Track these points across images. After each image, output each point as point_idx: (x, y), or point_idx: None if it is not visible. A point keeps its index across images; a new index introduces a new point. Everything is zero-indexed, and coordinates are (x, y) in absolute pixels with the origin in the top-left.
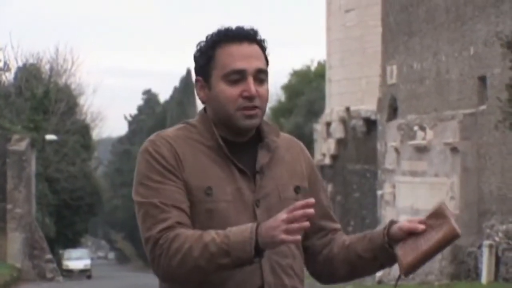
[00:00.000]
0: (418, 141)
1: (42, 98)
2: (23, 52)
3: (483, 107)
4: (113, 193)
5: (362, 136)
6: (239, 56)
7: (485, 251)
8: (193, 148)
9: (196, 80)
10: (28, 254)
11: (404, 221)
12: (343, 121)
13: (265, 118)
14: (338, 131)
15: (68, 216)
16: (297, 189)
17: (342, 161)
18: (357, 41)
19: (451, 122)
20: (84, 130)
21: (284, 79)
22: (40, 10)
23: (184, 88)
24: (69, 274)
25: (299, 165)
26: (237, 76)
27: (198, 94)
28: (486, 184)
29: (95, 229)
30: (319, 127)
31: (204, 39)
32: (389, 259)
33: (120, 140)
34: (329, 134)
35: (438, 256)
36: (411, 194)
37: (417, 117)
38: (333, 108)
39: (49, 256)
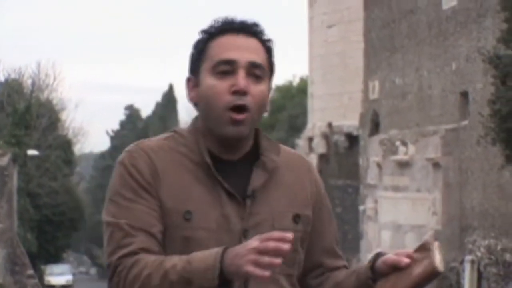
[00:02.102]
0: (400, 156)
1: (24, 113)
2: (4, 67)
3: (465, 122)
4: (95, 208)
5: (344, 151)
6: (230, 46)
7: (467, 266)
8: (177, 163)
9: (188, 80)
10: (9, 269)
11: (391, 254)
12: (325, 137)
13: None
14: (320, 147)
15: (50, 231)
16: (296, 218)
17: (324, 176)
18: (339, 56)
19: (433, 137)
20: (66, 145)
21: None
22: (22, 25)
23: (167, 103)
24: None
25: (302, 189)
26: (226, 67)
27: (188, 96)
28: (468, 200)
29: (77, 245)
30: (301, 142)
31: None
32: None
33: (102, 155)
34: (311, 150)
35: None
36: (393, 209)
37: (399, 133)
38: (315, 123)
39: (30, 271)
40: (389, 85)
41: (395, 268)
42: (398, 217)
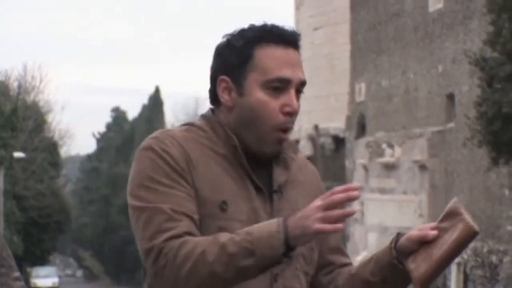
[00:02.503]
0: (387, 158)
1: (10, 116)
2: None
3: (451, 124)
4: (81, 210)
5: (331, 153)
6: (285, 62)
7: (453, 269)
8: (205, 153)
9: (221, 80)
10: None
11: (414, 230)
12: (312, 139)
13: None
14: (306, 149)
15: (36, 233)
16: None
17: None
18: (326, 58)
19: (419, 139)
20: (52, 147)
21: None
22: (8, 27)
23: (153, 106)
24: None
25: (313, 189)
26: (279, 85)
27: (222, 97)
28: None
29: (63, 247)
30: None
31: (235, 32)
32: (402, 278)
33: (89, 157)
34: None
35: None
36: (380, 212)
37: (386, 135)
38: (302, 125)
39: (17, 274)
40: (375, 88)
41: (423, 243)
42: (384, 219)
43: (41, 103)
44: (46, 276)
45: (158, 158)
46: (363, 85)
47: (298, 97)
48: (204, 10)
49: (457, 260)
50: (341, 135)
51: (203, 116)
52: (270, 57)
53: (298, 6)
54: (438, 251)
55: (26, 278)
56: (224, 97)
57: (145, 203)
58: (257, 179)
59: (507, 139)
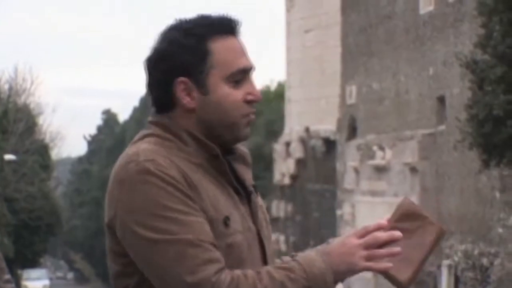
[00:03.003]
0: (377, 161)
1: (0, 118)
2: None
3: (442, 127)
4: (72, 213)
5: (322, 156)
6: (239, 52)
7: (444, 271)
8: (190, 168)
9: (179, 82)
10: None
11: (364, 229)
12: (303, 141)
13: None
14: (297, 151)
15: (27, 236)
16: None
17: (301, 181)
18: (317, 61)
19: (410, 142)
20: (43, 150)
21: None
22: None
23: (144, 108)
24: None
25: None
26: (242, 76)
27: (182, 99)
28: (445, 204)
29: (54, 249)
30: (278, 147)
31: (170, 30)
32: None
33: (80, 160)
34: (288, 154)
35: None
36: (371, 214)
37: (376, 137)
38: (293, 128)
39: (7, 276)
40: (366, 90)
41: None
42: (375, 221)
43: (32, 106)
44: (37, 279)
45: (163, 183)
46: (354, 88)
47: None
48: (196, 13)
49: (448, 262)
50: (332, 137)
51: (158, 124)
52: (227, 50)
53: (289, 8)
54: (417, 254)
55: (17, 280)
56: (185, 98)
57: (168, 235)
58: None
59: (498, 142)
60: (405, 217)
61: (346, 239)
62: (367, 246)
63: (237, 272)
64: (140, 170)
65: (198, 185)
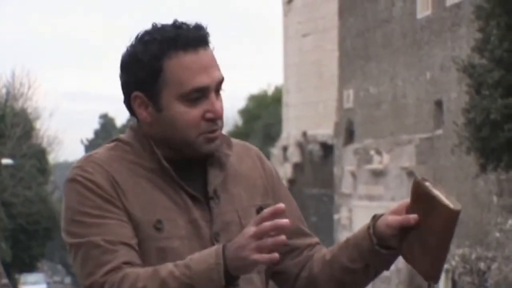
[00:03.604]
0: (375, 165)
1: None
2: None
3: (439, 131)
4: None
5: (319, 160)
6: (198, 68)
7: (442, 275)
8: (131, 172)
9: (135, 97)
10: None
11: (388, 215)
12: (300, 146)
13: None
14: (295, 156)
15: (24, 240)
16: (260, 211)
17: (299, 186)
18: (314, 65)
19: (407, 146)
20: (40, 154)
21: (241, 103)
22: None
23: None
24: None
25: (259, 178)
26: (198, 95)
27: (139, 114)
28: None
29: (52, 254)
30: (276, 151)
31: (139, 40)
32: (385, 262)
33: None
34: (286, 159)
35: (395, 280)
36: (368, 219)
37: (374, 141)
38: (290, 132)
39: (5, 280)
40: (363, 94)
41: (403, 229)
42: None
43: (29, 110)
44: (35, 283)
45: (84, 189)
46: (351, 92)
47: (219, 95)
48: (194, 16)
49: (445, 266)
50: (329, 141)
51: (132, 128)
52: (180, 68)
53: (286, 12)
54: (431, 237)
55: (15, 284)
56: (141, 113)
57: (78, 239)
58: (192, 187)
59: (495, 146)
60: (417, 198)
61: (246, 229)
62: (258, 236)
63: (131, 270)
64: (69, 178)
65: (128, 187)
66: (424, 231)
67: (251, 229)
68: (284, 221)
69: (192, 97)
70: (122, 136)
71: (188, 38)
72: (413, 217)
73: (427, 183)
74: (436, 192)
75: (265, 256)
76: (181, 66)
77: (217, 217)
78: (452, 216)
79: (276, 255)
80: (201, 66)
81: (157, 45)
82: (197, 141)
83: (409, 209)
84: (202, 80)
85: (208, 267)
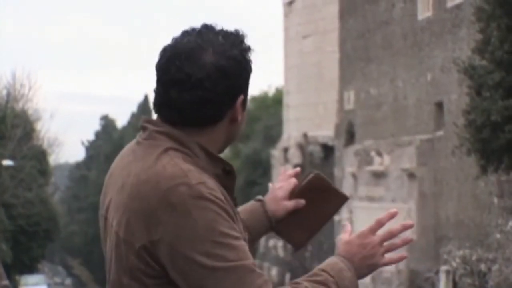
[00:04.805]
0: (375, 166)
1: None
2: None
3: (440, 132)
4: (70, 218)
5: (320, 161)
6: None
7: (442, 277)
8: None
9: (242, 100)
10: None
11: (280, 200)
12: (301, 147)
13: None
14: (295, 157)
15: (24, 241)
16: None
17: None
18: (315, 67)
19: (408, 147)
20: (41, 155)
21: None
22: None
23: (142, 114)
24: None
25: None
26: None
27: (240, 115)
28: (443, 210)
29: (52, 255)
30: (276, 152)
31: (231, 44)
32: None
33: (77, 165)
34: (286, 160)
35: (395, 281)
36: (368, 220)
37: (374, 143)
38: (291, 133)
39: (5, 282)
40: (364, 96)
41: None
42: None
43: (30, 111)
44: (35, 284)
45: (217, 208)
46: (351, 93)
47: None
48: (193, 18)
49: (445, 268)
50: (329, 143)
51: (169, 135)
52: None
53: (287, 14)
54: (317, 221)
55: (15, 286)
56: (240, 115)
57: (227, 262)
58: None
59: (496, 147)
60: (312, 189)
61: (364, 239)
62: (383, 242)
63: None
64: (193, 195)
65: (229, 203)
66: (310, 212)
67: (370, 235)
68: (411, 222)
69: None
70: (170, 145)
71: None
72: (302, 201)
73: (317, 175)
74: (331, 184)
75: (394, 258)
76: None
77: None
78: (344, 202)
79: (406, 254)
80: None
81: (247, 52)
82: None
83: (295, 195)
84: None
85: (350, 280)
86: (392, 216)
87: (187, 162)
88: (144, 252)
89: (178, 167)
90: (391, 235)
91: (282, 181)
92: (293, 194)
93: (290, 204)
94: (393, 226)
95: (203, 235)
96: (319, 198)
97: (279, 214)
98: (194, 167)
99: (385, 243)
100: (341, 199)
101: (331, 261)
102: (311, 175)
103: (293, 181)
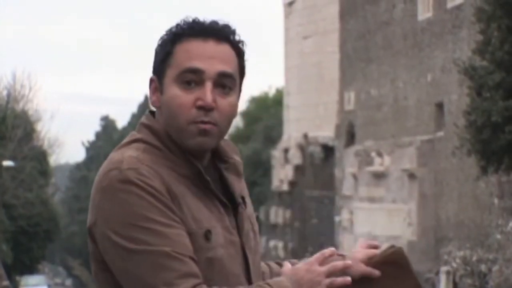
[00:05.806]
0: (376, 167)
1: None
2: None
3: (440, 133)
4: (70, 219)
5: (320, 162)
6: (198, 54)
7: (443, 277)
8: (174, 178)
9: (151, 81)
10: None
11: (356, 252)
12: (301, 148)
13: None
14: (296, 158)
15: (25, 242)
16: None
17: (300, 188)
18: (315, 67)
19: (408, 148)
20: (41, 156)
21: (242, 105)
22: None
23: (142, 114)
24: None
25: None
26: (193, 77)
27: (150, 98)
28: (444, 210)
29: (52, 256)
30: (277, 153)
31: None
32: None
33: (78, 166)
34: (287, 161)
35: None
36: (369, 220)
37: (375, 143)
38: (291, 134)
39: (6, 282)
40: (364, 96)
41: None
42: (373, 228)
43: (30, 112)
44: (36, 285)
45: (145, 193)
46: (352, 94)
47: (227, 93)
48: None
49: (446, 268)
50: (330, 143)
51: (149, 127)
52: (184, 51)
53: (288, 14)
54: None
55: (16, 286)
56: (152, 98)
57: (146, 246)
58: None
59: (496, 148)
60: (390, 261)
61: (311, 266)
62: (329, 274)
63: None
64: (121, 179)
65: (180, 198)
66: (379, 285)
67: (318, 267)
68: (350, 263)
69: (185, 79)
70: (141, 136)
71: (202, 27)
72: (377, 272)
73: (404, 255)
74: (410, 266)
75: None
76: (185, 49)
77: (241, 222)
78: None
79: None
80: (204, 52)
81: (174, 30)
82: (188, 129)
83: (372, 264)
84: (198, 63)
85: None
86: (331, 255)
87: (146, 153)
88: (89, 234)
89: (125, 155)
90: (335, 268)
91: (362, 247)
92: (370, 262)
93: (366, 269)
94: (336, 263)
95: (124, 217)
96: (393, 275)
97: (354, 274)
98: (150, 157)
99: (327, 280)
100: (413, 285)
101: (277, 279)
102: (393, 249)
103: (375, 251)
